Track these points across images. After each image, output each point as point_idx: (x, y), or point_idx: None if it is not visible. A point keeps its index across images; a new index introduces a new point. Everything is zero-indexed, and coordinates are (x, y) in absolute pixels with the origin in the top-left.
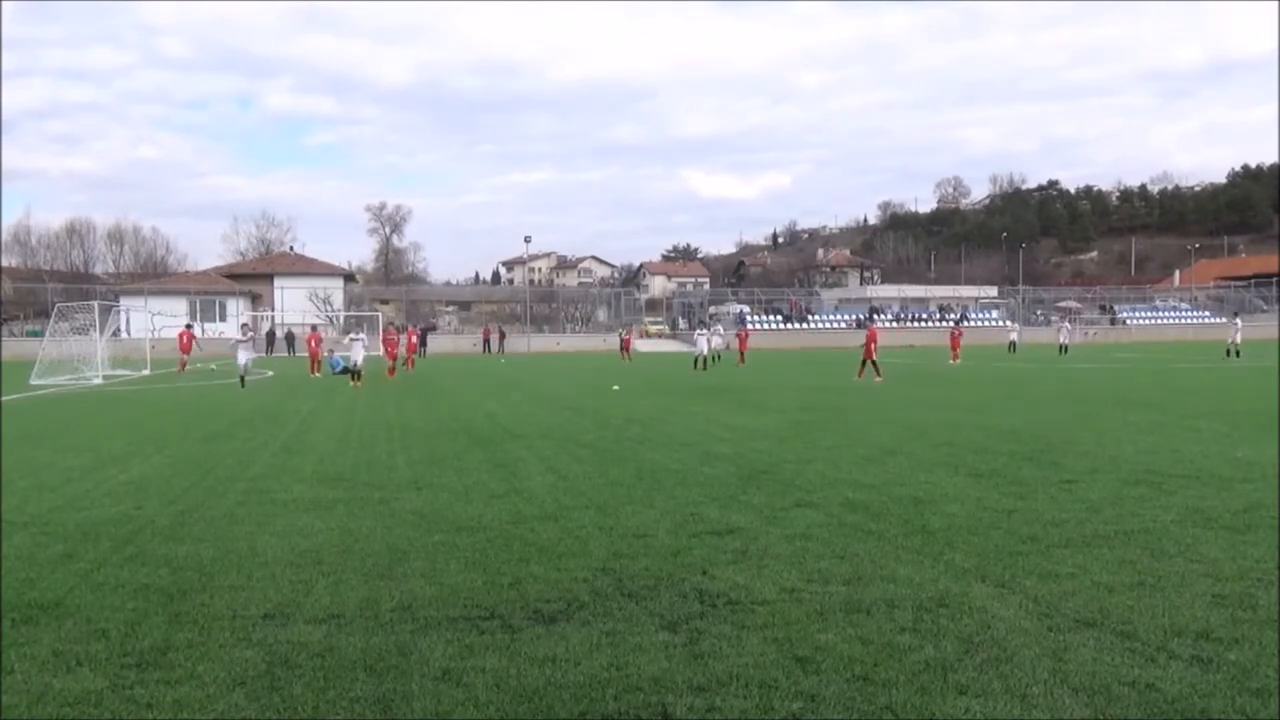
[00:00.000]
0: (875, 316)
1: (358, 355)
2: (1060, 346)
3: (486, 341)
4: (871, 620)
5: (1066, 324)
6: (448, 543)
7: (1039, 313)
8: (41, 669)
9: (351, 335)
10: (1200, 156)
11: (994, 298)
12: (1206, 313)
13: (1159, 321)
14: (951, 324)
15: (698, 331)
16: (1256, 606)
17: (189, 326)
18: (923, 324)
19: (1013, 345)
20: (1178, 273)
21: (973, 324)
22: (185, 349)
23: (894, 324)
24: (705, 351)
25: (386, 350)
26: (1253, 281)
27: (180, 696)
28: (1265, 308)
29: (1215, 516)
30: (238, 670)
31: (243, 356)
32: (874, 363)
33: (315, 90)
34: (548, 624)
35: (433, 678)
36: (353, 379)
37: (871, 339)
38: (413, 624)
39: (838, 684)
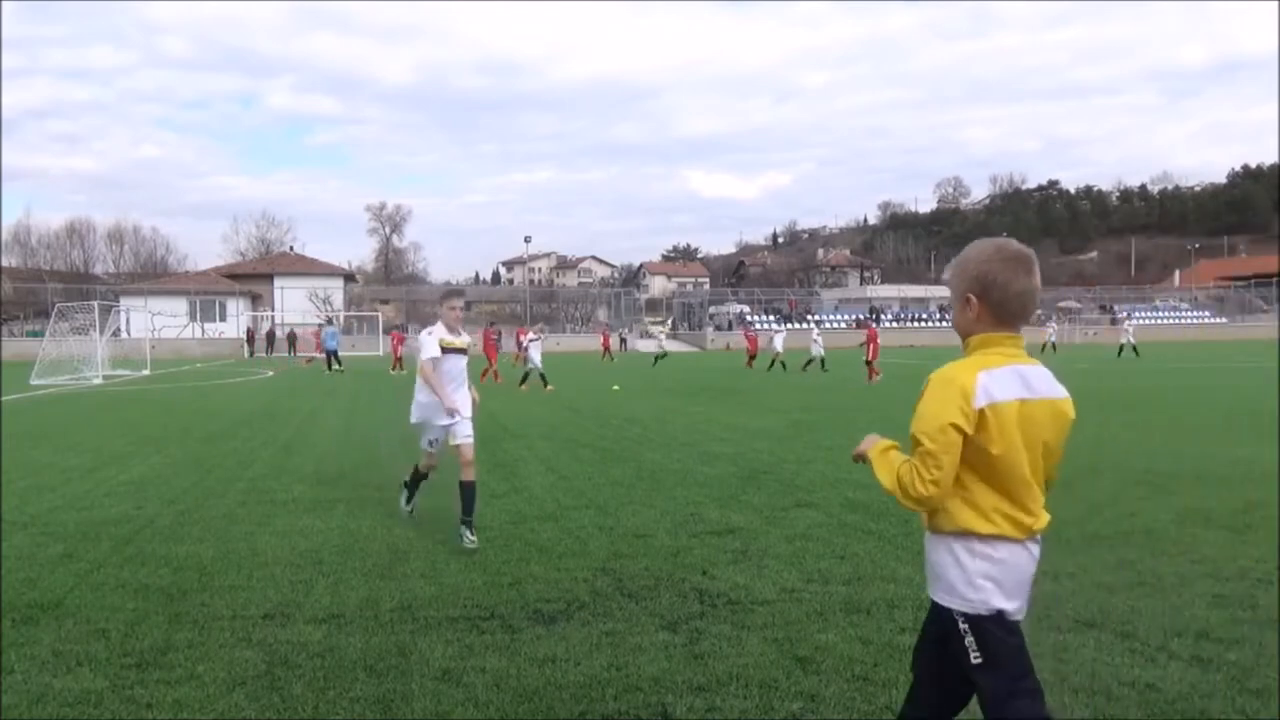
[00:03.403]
0: (881, 316)
1: (536, 357)
2: (1121, 347)
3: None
4: (871, 620)
5: (1129, 324)
6: (448, 543)
7: (1039, 313)
8: (41, 669)
9: (530, 335)
10: (1203, 156)
11: None
12: (1206, 313)
13: (1159, 322)
14: None
15: (773, 329)
16: (1256, 606)
17: (400, 328)
18: (922, 324)
19: (1052, 346)
20: (1178, 273)
21: None
22: (397, 350)
23: (894, 324)
24: (780, 351)
25: (486, 351)
26: (1253, 281)
27: (180, 696)
28: (1265, 308)
29: (1215, 516)
30: (238, 670)
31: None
32: (869, 363)
33: (317, 90)
34: (548, 624)
35: (433, 678)
36: (544, 383)
37: (871, 339)
38: (413, 624)
39: (838, 684)
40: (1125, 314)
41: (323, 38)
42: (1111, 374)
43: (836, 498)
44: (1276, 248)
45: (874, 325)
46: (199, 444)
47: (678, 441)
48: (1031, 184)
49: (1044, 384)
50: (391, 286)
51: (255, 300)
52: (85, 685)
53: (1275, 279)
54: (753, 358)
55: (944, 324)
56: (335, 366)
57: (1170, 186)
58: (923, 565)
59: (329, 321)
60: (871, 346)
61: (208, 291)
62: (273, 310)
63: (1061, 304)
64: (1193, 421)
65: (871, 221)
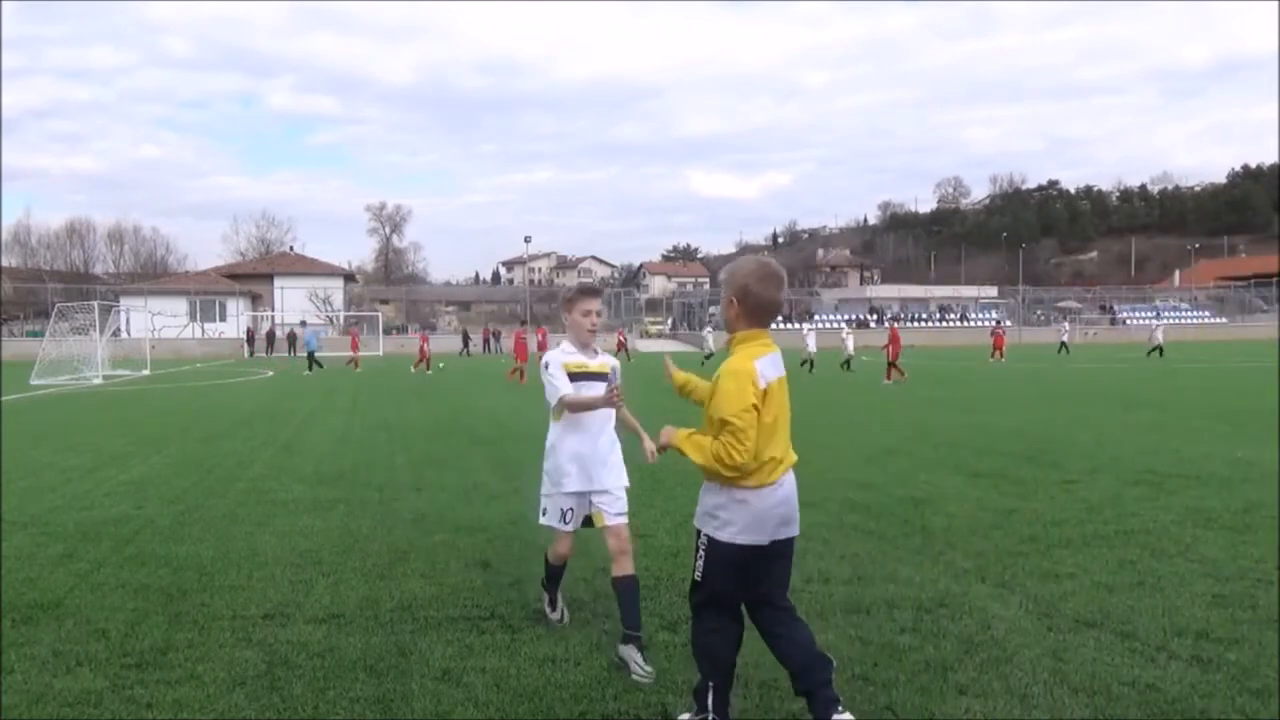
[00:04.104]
0: (884, 316)
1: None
2: (1154, 348)
3: (486, 341)
4: (871, 620)
5: (1160, 325)
6: (448, 543)
7: (1039, 313)
8: (41, 669)
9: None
10: (1203, 156)
11: (994, 298)
12: (1206, 313)
13: (1158, 322)
14: (993, 324)
15: (806, 327)
16: (1256, 606)
17: (420, 329)
18: (922, 324)
19: (1066, 348)
20: (1178, 273)
21: (973, 324)
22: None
23: (894, 323)
24: (814, 350)
25: (517, 351)
26: (1253, 281)
27: (180, 696)
28: (1265, 308)
29: (1215, 516)
30: (238, 670)
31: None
32: (894, 364)
33: (317, 89)
34: (548, 624)
35: (433, 678)
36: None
37: (894, 339)
38: (413, 624)
39: (837, 684)
40: (1155, 314)
41: (323, 38)
42: (1111, 373)
43: (836, 498)
44: (1276, 248)
45: (895, 325)
46: (199, 444)
47: None
48: (1031, 184)
49: (781, 366)
50: (391, 286)
51: (255, 300)
52: (85, 685)
53: (1275, 279)
54: None
55: (944, 324)
56: (314, 367)
57: (1170, 186)
58: (920, 564)
59: (304, 324)
60: (893, 347)
61: (208, 291)
62: (272, 310)
63: (1061, 304)
64: (1193, 421)
65: (871, 221)
